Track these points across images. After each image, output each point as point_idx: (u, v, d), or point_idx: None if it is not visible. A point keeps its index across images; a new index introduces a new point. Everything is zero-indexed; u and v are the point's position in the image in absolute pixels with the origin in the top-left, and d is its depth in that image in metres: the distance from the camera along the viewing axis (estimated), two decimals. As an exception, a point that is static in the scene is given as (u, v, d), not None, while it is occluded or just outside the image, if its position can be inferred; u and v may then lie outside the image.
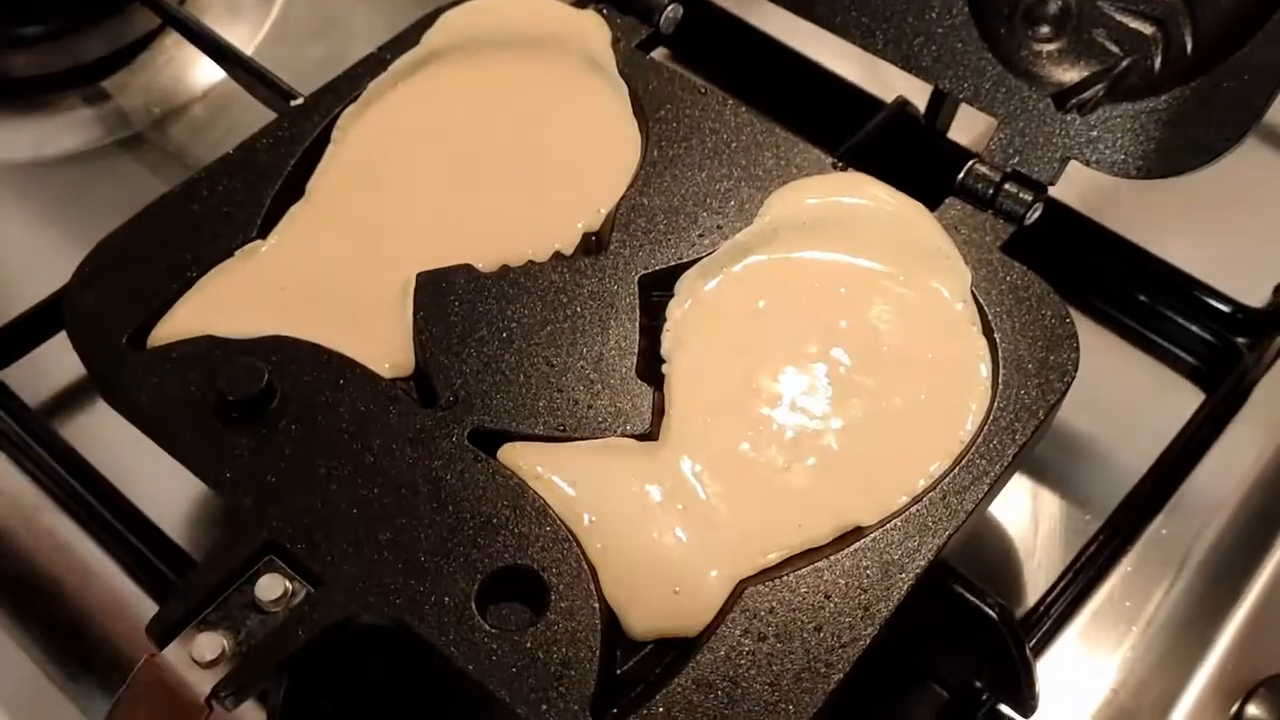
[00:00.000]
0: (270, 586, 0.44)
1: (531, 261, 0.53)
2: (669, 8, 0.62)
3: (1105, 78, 0.56)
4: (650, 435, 0.49)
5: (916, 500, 0.47)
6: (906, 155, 0.62)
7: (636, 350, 0.51)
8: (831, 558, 0.46)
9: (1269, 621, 0.54)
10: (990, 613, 0.48)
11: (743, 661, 0.43)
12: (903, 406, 0.50)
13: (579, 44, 0.60)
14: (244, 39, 0.74)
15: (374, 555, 0.45)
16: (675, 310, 0.52)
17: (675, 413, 0.49)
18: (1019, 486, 0.58)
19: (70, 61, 0.72)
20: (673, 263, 0.53)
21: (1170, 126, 0.54)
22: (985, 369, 0.50)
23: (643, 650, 0.44)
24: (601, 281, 0.52)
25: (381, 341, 0.51)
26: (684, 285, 0.53)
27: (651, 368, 0.51)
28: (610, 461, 0.48)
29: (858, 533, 0.47)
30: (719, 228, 0.54)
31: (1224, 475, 0.58)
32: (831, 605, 0.45)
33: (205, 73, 0.73)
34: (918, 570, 0.45)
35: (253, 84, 0.66)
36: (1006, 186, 0.55)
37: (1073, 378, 0.50)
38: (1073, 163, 0.56)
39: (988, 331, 0.51)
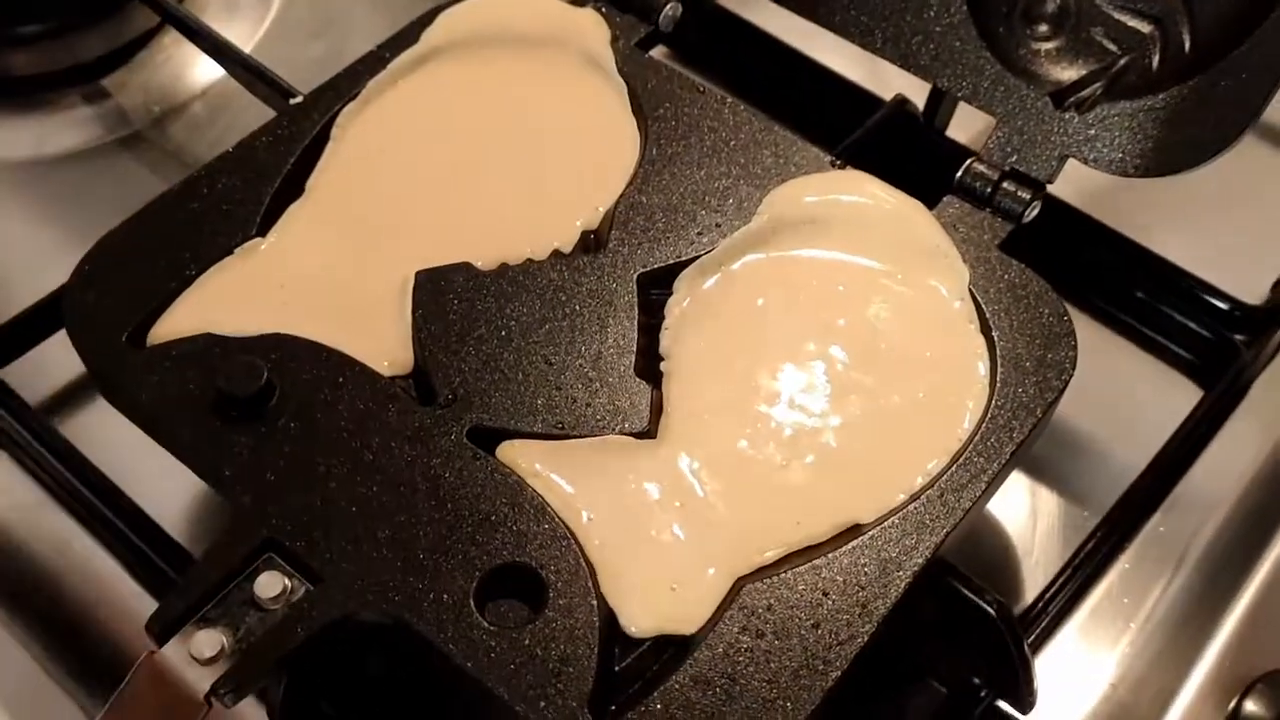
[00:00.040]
0: (269, 584, 0.44)
1: (530, 260, 0.53)
2: (668, 6, 0.62)
3: (1103, 76, 0.56)
4: (649, 433, 0.49)
5: (914, 498, 0.47)
6: (905, 153, 0.62)
7: (635, 348, 0.51)
8: (829, 555, 0.46)
9: (1267, 617, 0.54)
10: (988, 609, 0.48)
11: (741, 659, 0.43)
12: (901, 404, 0.50)
13: (578, 42, 0.60)
14: (243, 37, 0.74)
15: (373, 553, 0.45)
16: (674, 308, 0.52)
17: (673, 410, 0.50)
18: (1017, 484, 0.59)
19: (70, 60, 0.72)
20: (671, 261, 0.53)
21: (1168, 125, 0.54)
22: (983, 367, 0.51)
23: (641, 647, 0.44)
24: (600, 280, 0.53)
25: (380, 339, 0.51)
26: (682, 283, 0.53)
27: (650, 366, 0.51)
28: (608, 459, 0.48)
29: (856, 530, 0.47)
30: (718, 226, 0.54)
31: (1222, 472, 0.58)
32: (829, 603, 0.45)
33: (205, 71, 0.73)
34: (915, 568, 0.45)
35: (252, 82, 0.66)
36: (1005, 185, 0.55)
37: (1070, 375, 0.50)
38: (1071, 160, 0.56)
39: (986, 329, 0.51)
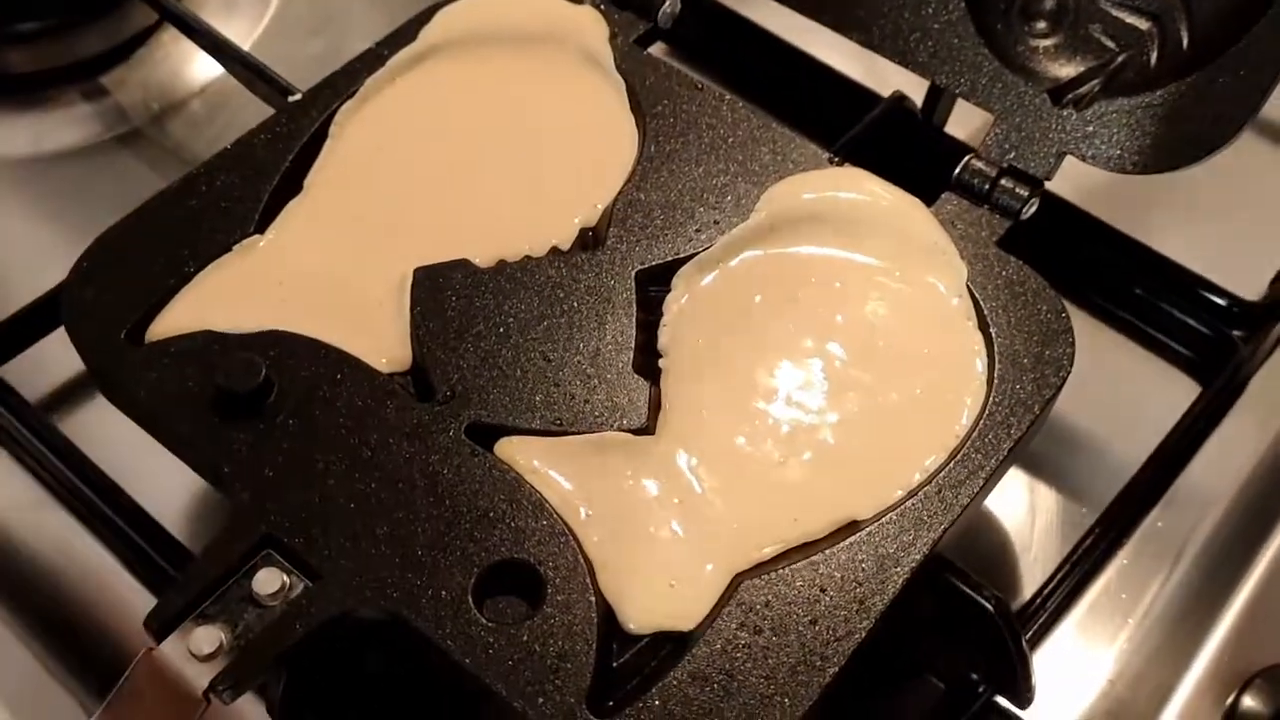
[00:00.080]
0: (268, 580, 0.44)
1: (528, 257, 0.53)
2: (666, 3, 0.62)
3: (1101, 73, 0.56)
4: (647, 430, 0.49)
5: (912, 494, 0.47)
6: (903, 150, 0.62)
7: (633, 345, 0.51)
8: (827, 551, 0.46)
9: (1264, 613, 0.54)
10: (986, 605, 0.48)
11: (738, 655, 0.43)
12: (899, 401, 0.50)
13: (576, 39, 0.60)
14: (242, 34, 0.74)
15: (371, 549, 0.45)
16: (672, 305, 0.52)
17: (672, 407, 0.50)
18: (1015, 480, 0.59)
19: (69, 57, 0.72)
20: (669, 258, 0.53)
21: (1166, 121, 0.54)
22: (981, 364, 0.51)
23: (639, 643, 0.44)
24: (598, 277, 0.53)
25: (379, 336, 0.51)
26: (681, 280, 0.53)
27: (648, 362, 0.51)
28: (607, 456, 0.48)
29: (853, 527, 0.47)
30: (716, 223, 0.54)
31: (1220, 468, 0.58)
32: (827, 599, 0.45)
33: (203, 68, 0.73)
34: (913, 564, 0.45)
35: (251, 80, 0.66)
36: (1002, 182, 0.55)
37: (1068, 372, 0.50)
38: (1069, 157, 0.56)
39: (983, 326, 0.52)
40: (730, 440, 0.49)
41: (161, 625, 0.43)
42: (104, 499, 0.55)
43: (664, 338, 0.52)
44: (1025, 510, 0.58)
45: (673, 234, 0.54)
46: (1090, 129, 0.55)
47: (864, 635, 0.44)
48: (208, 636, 0.43)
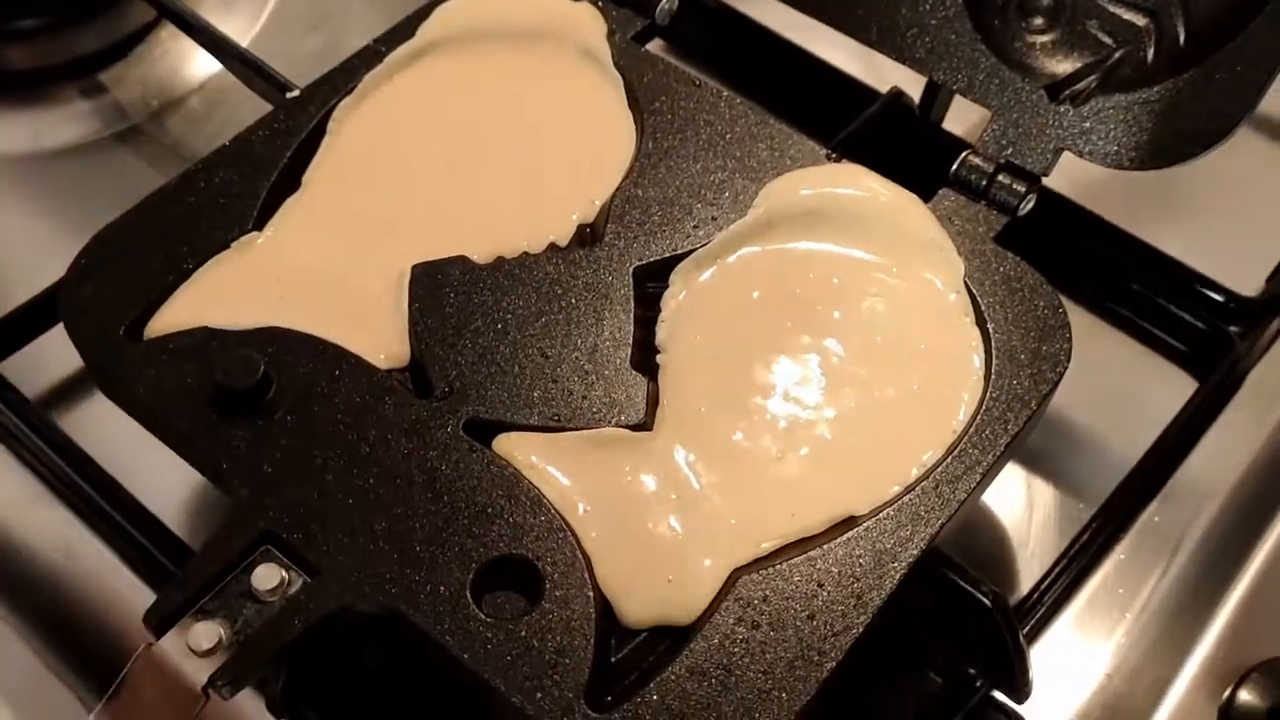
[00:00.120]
0: (266, 576, 0.44)
1: (526, 253, 0.53)
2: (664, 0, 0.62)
3: (1098, 69, 0.56)
4: (644, 425, 0.49)
5: (909, 490, 0.47)
6: (901, 145, 0.62)
7: (631, 341, 0.51)
8: (824, 547, 0.46)
9: (1261, 607, 0.54)
10: (984, 600, 0.48)
11: (736, 649, 0.44)
12: (896, 397, 0.50)
13: (574, 36, 0.60)
14: (240, 31, 0.74)
15: (370, 545, 0.45)
16: (669, 301, 0.53)
17: (669, 403, 0.50)
18: (1013, 476, 0.59)
19: (67, 54, 0.72)
20: (667, 254, 0.53)
21: (1163, 118, 0.55)
22: (978, 359, 0.51)
23: (637, 638, 0.45)
24: (596, 273, 0.53)
25: (377, 333, 0.51)
26: (678, 276, 0.53)
27: (646, 359, 0.51)
28: (604, 452, 0.48)
29: (851, 522, 0.47)
30: (713, 219, 0.54)
31: (1217, 463, 0.59)
32: (825, 594, 0.45)
33: (202, 65, 0.73)
34: (910, 559, 0.46)
35: (249, 76, 0.66)
36: (1000, 178, 0.55)
37: (1065, 368, 0.50)
38: (1067, 152, 0.56)
39: (981, 322, 0.52)
40: (728, 436, 0.49)
41: (160, 621, 0.43)
42: (103, 495, 0.55)
43: (662, 334, 0.52)
44: (1023, 505, 0.58)
45: (670, 230, 0.54)
46: (1087, 125, 0.55)
47: (861, 630, 0.44)
48: (207, 632, 0.43)
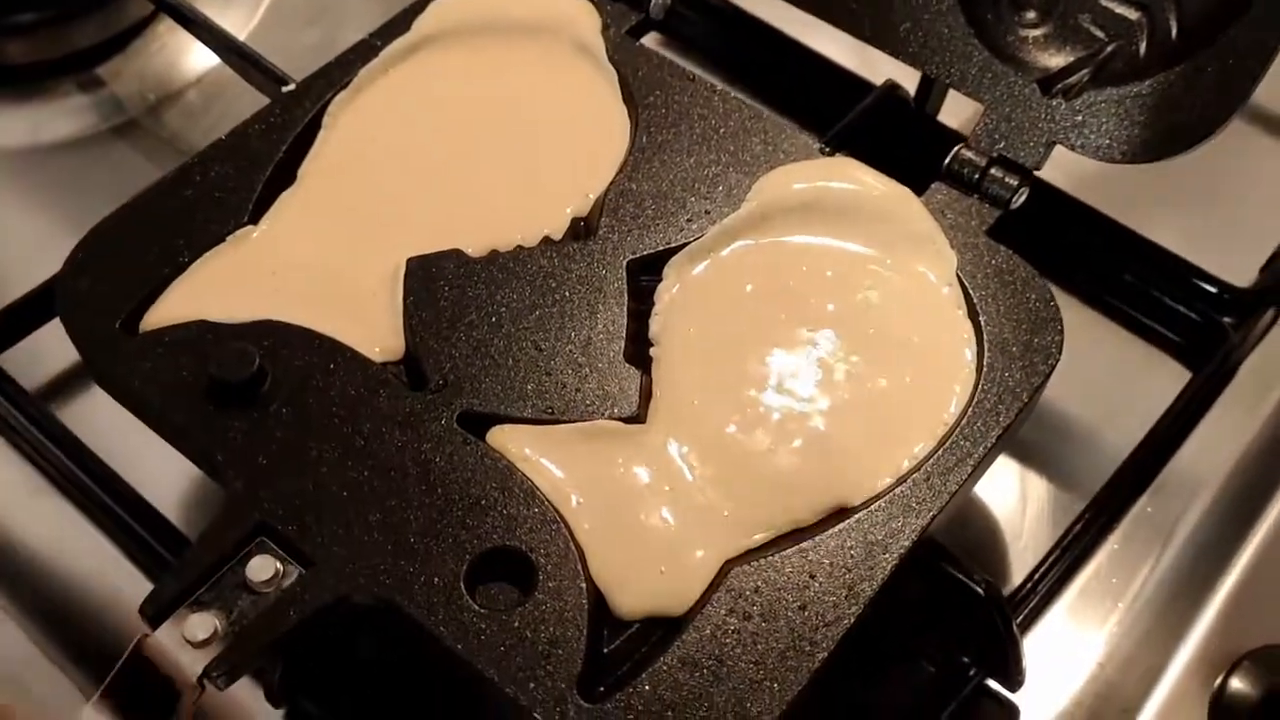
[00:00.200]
0: (262, 568, 0.44)
1: (521, 246, 0.53)
2: (659, -7, 0.62)
3: (1090, 63, 0.57)
4: (638, 418, 0.49)
5: (901, 481, 0.47)
6: (896, 138, 0.62)
7: (624, 334, 0.51)
8: (816, 538, 0.46)
9: (1252, 596, 0.54)
10: (978, 589, 0.48)
11: (728, 640, 0.44)
12: (888, 389, 0.50)
13: (569, 30, 0.60)
14: (238, 25, 0.74)
15: (364, 537, 0.45)
16: (663, 294, 0.53)
17: (662, 395, 0.50)
18: (1007, 468, 0.59)
19: (65, 48, 0.72)
20: (661, 247, 0.54)
21: (1155, 111, 0.55)
22: (970, 352, 0.51)
23: (629, 629, 0.45)
24: (590, 266, 0.53)
25: (372, 326, 0.51)
26: (672, 269, 0.53)
27: (639, 351, 0.51)
28: (598, 444, 0.48)
29: (843, 514, 0.47)
30: (707, 212, 0.55)
31: (1209, 454, 0.59)
32: (816, 585, 0.45)
33: (199, 59, 0.73)
34: (902, 550, 0.46)
35: (246, 70, 0.66)
36: (992, 171, 0.56)
37: (1057, 360, 0.50)
38: (1059, 145, 0.56)
39: (973, 315, 0.52)
40: (721, 428, 0.49)
41: (156, 612, 0.43)
42: (101, 487, 0.55)
43: (655, 327, 0.52)
44: (1016, 497, 0.59)
45: (664, 224, 0.54)
46: (1080, 118, 0.56)
47: (853, 621, 0.44)
48: (202, 623, 0.43)
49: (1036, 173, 0.56)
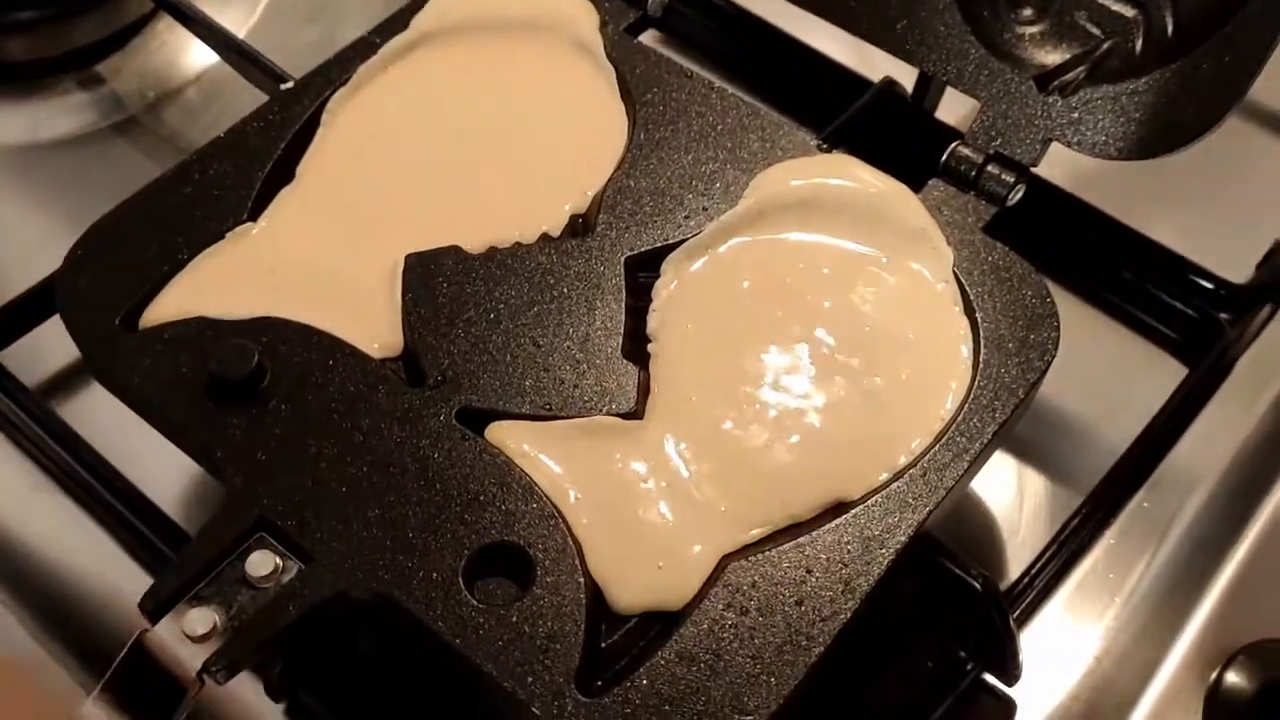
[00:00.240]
0: (261, 563, 0.44)
1: (519, 243, 0.53)
2: (656, -9, 0.62)
3: (1087, 60, 0.57)
4: (635, 414, 0.49)
5: (898, 477, 0.48)
6: (893, 135, 0.62)
7: (622, 330, 0.51)
8: (813, 533, 0.46)
9: (1248, 591, 0.54)
10: (975, 584, 0.49)
11: (725, 635, 0.44)
12: (885, 385, 0.50)
13: (567, 28, 0.60)
14: (237, 22, 0.74)
15: (363, 532, 0.45)
16: (661, 291, 0.53)
17: (660, 391, 0.50)
18: (1004, 464, 0.59)
19: (65, 46, 0.72)
20: (659, 244, 0.54)
21: (1151, 108, 0.55)
22: (966, 348, 0.51)
23: (627, 624, 0.45)
24: (588, 263, 0.53)
25: (370, 322, 0.51)
26: (670, 266, 0.53)
27: (637, 347, 0.51)
28: (596, 440, 0.48)
29: (840, 509, 0.47)
30: (704, 209, 0.55)
31: (1205, 450, 0.59)
32: (813, 580, 0.45)
33: (199, 56, 0.73)
34: (898, 545, 0.46)
35: (245, 67, 0.66)
36: (989, 168, 0.56)
37: (1053, 356, 0.51)
38: (1056, 142, 0.56)
39: (969, 311, 0.52)
40: (718, 424, 0.49)
41: (156, 607, 0.43)
42: (101, 483, 0.55)
43: (653, 323, 0.52)
44: (1013, 493, 0.59)
45: (662, 220, 0.54)
46: (1076, 115, 0.56)
47: (849, 616, 0.44)
48: (202, 618, 0.43)
49: (1033, 169, 0.56)
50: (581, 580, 0.45)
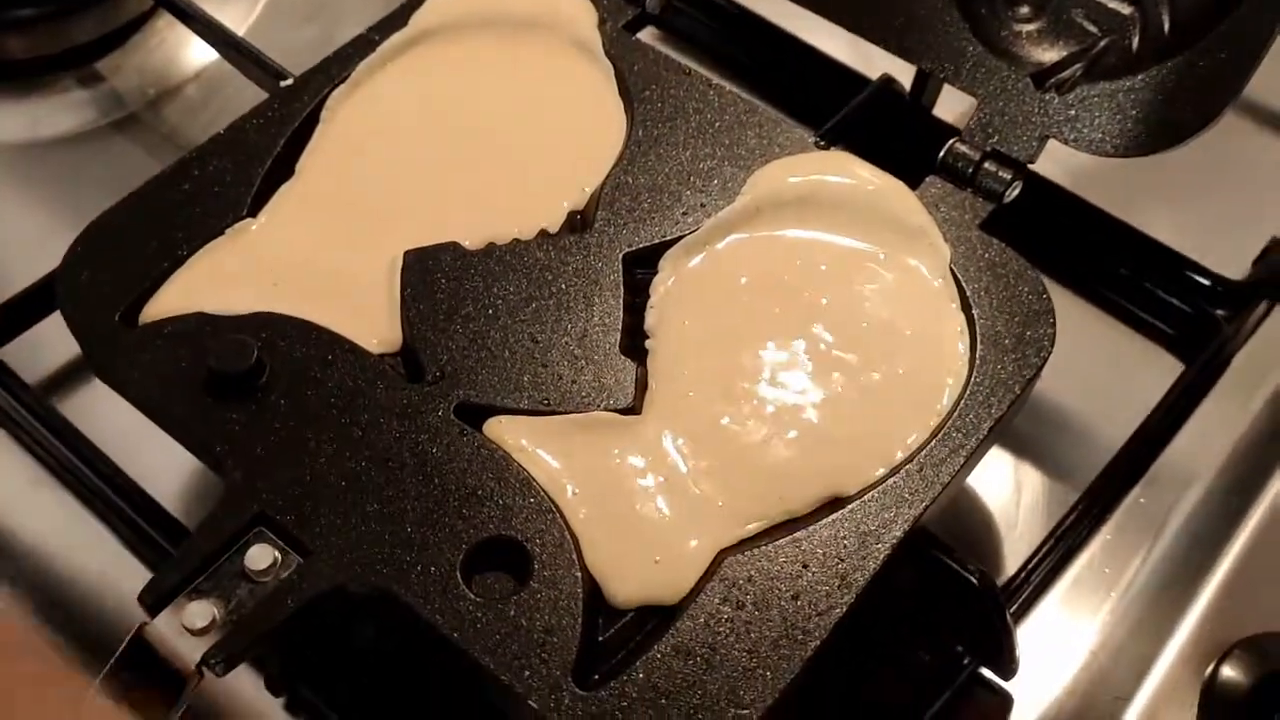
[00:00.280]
0: (259, 557, 0.44)
1: (517, 240, 0.54)
2: (655, -11, 0.62)
3: (1083, 57, 0.57)
4: (633, 409, 0.50)
5: (894, 472, 0.48)
6: (891, 132, 0.63)
7: (620, 326, 0.52)
8: (810, 528, 0.46)
9: (1243, 586, 0.55)
10: (971, 579, 0.49)
11: (721, 629, 0.44)
12: (882, 381, 0.51)
13: (566, 25, 0.61)
14: (236, 20, 0.74)
15: (361, 526, 0.46)
16: (659, 287, 0.53)
17: (658, 387, 0.50)
18: (1001, 460, 0.59)
19: (65, 43, 0.72)
20: (656, 240, 0.54)
21: (1147, 105, 0.55)
22: (963, 345, 0.51)
23: (624, 618, 0.45)
24: (586, 259, 0.53)
25: (369, 318, 0.51)
26: (667, 262, 0.54)
27: (635, 344, 0.52)
28: (593, 435, 0.49)
29: (836, 504, 0.47)
30: (702, 206, 0.55)
31: (1202, 445, 0.59)
32: (809, 574, 0.45)
33: (198, 54, 0.73)
34: (894, 540, 0.46)
35: (245, 65, 0.66)
36: (986, 165, 0.56)
37: (1049, 353, 0.51)
38: (1053, 139, 0.56)
39: (966, 307, 0.52)
40: (715, 419, 0.49)
41: (155, 600, 0.43)
42: (101, 478, 0.55)
43: (651, 319, 0.52)
44: (1010, 489, 0.59)
45: (660, 217, 0.55)
46: (1073, 113, 0.56)
47: (845, 610, 0.45)
48: (201, 611, 0.43)
49: (1030, 166, 0.56)
50: (579, 574, 0.45)
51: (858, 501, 0.47)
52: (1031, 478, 0.59)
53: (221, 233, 0.54)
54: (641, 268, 0.54)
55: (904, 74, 0.65)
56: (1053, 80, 0.57)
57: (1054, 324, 0.51)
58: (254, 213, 0.54)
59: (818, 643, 0.44)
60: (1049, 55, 0.58)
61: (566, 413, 0.49)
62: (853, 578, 0.45)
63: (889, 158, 0.56)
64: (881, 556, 0.46)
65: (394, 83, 0.59)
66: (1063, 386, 0.59)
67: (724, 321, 0.52)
